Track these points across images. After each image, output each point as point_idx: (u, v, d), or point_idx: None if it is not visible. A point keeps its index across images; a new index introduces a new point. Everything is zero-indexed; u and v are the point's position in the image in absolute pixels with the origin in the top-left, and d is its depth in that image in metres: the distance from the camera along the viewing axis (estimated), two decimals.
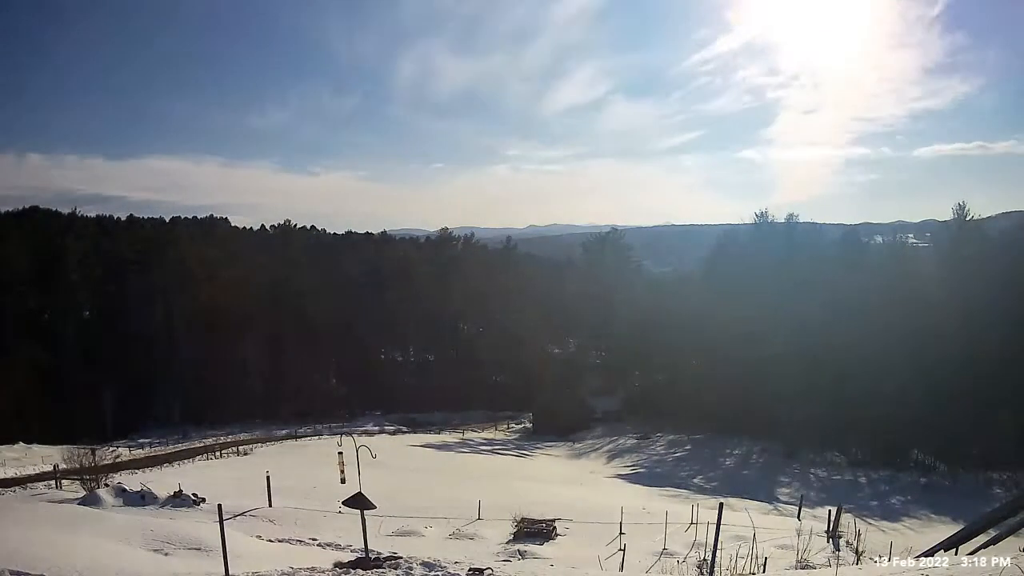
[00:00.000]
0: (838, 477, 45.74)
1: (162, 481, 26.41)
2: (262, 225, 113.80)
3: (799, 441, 51.31)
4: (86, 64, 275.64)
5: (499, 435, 64.16)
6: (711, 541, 12.22)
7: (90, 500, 21.69)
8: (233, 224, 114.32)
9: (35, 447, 48.06)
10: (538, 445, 59.03)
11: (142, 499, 22.34)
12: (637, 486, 40.12)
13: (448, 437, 60.46)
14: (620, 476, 44.83)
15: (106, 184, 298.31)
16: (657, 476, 45.38)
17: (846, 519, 25.26)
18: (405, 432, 63.57)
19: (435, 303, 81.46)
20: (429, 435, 61.44)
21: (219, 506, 10.56)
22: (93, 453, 29.32)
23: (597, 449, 55.96)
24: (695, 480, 44.53)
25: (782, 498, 39.11)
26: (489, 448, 55.26)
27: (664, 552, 19.25)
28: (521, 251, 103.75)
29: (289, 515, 20.99)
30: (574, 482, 38.98)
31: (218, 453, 46.27)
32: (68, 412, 58.32)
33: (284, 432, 58.56)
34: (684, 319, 63.07)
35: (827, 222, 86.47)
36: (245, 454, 46.50)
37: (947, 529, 26.64)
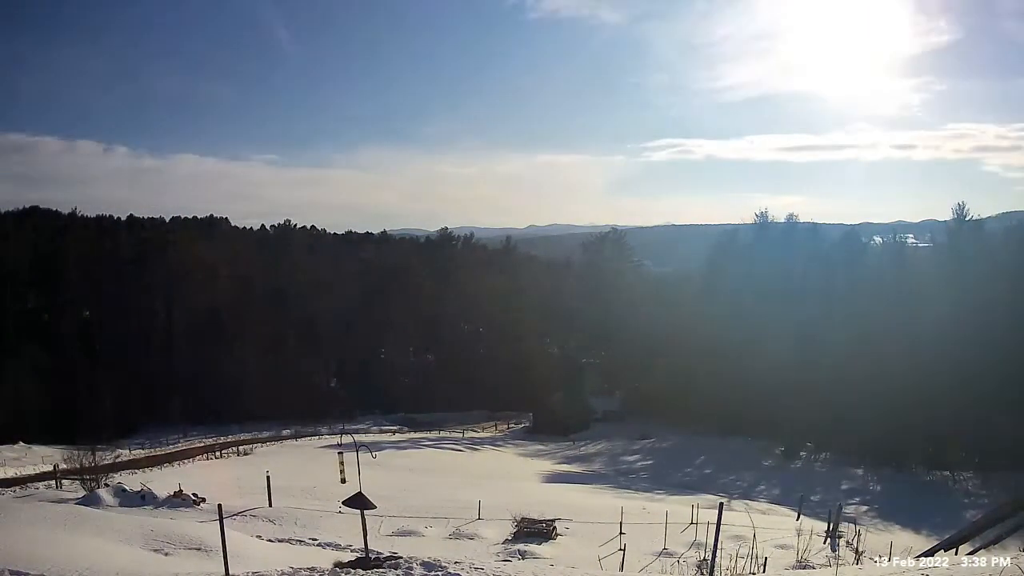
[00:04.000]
0: (838, 477, 45.68)
1: (162, 481, 26.43)
2: (262, 225, 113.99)
3: (798, 440, 51.30)
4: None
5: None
6: (710, 541, 12.22)
7: (90, 500, 21.70)
8: (233, 224, 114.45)
9: (35, 447, 48.07)
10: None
11: (142, 499, 22.36)
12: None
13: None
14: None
15: None
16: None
17: (846, 519, 25.29)
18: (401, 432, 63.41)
19: (435, 303, 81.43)
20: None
21: (219, 506, 10.57)
22: (93, 453, 29.28)
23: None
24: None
25: (781, 498, 38.95)
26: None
27: (664, 552, 19.28)
28: (521, 251, 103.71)
29: (289, 515, 21.02)
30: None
31: (218, 453, 46.27)
32: (68, 412, 58.23)
33: (284, 432, 58.50)
34: (684, 319, 63.07)
35: (827, 222, 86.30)
36: (245, 454, 46.51)
37: (947, 529, 26.67)
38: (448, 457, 48.93)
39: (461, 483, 34.06)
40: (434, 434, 61.10)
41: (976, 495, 40.15)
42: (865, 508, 36.64)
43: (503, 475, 40.82)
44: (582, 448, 56.59)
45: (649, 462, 51.66)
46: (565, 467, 48.70)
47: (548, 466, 48.25)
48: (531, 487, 35.98)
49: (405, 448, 50.72)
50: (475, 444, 56.59)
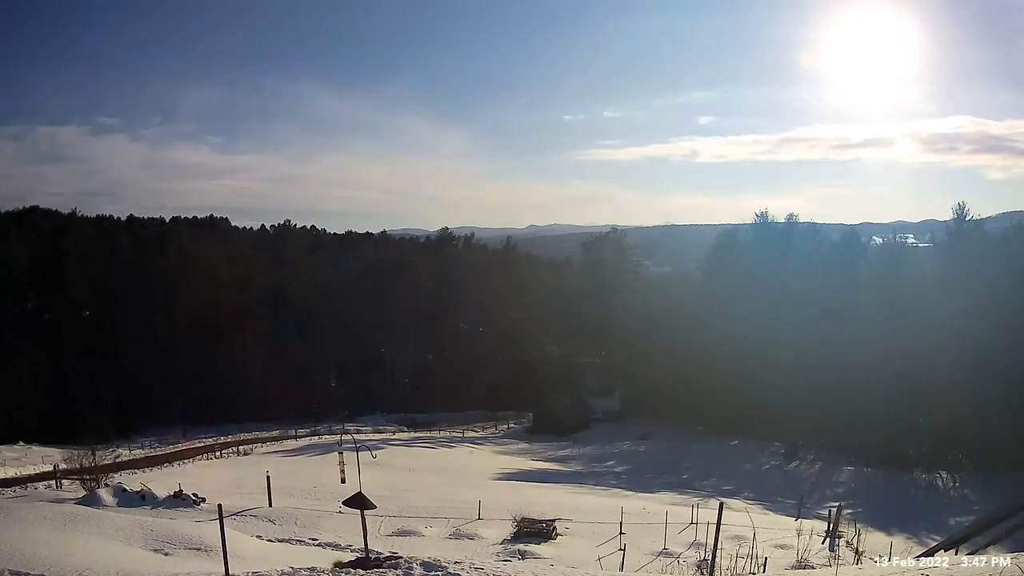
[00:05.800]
0: (838, 477, 45.68)
1: (162, 481, 26.44)
2: (262, 225, 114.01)
3: (798, 441, 51.25)
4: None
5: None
6: (710, 541, 12.22)
7: (90, 500, 21.70)
8: (233, 224, 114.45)
9: (35, 447, 48.13)
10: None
11: (142, 499, 22.37)
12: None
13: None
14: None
15: None
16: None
17: (845, 519, 25.28)
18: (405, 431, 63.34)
19: (435, 303, 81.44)
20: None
21: (219, 506, 10.58)
22: (93, 453, 29.29)
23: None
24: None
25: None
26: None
27: (664, 552, 19.30)
28: (521, 251, 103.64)
29: (289, 515, 21.04)
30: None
31: (218, 453, 46.34)
32: (68, 412, 58.23)
33: (284, 432, 58.50)
34: (684, 319, 63.03)
35: (827, 222, 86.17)
36: (245, 454, 46.58)
37: (947, 530, 26.69)
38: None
39: (461, 482, 34.04)
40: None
41: (970, 498, 39.80)
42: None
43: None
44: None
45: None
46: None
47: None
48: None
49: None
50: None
